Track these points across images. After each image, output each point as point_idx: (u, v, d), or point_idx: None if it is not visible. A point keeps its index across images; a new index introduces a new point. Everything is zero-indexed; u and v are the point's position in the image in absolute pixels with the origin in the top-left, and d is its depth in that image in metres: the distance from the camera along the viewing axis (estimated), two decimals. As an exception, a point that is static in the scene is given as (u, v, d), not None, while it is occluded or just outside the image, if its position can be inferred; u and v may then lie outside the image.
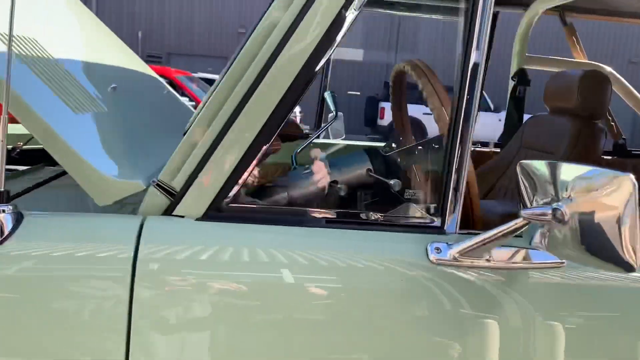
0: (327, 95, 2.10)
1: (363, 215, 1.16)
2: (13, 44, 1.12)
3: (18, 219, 1.05)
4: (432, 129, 2.30)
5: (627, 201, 0.85)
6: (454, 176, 1.10)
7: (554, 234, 0.95)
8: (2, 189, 1.02)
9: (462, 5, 1.13)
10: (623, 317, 1.14)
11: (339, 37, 1.08)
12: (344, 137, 3.15)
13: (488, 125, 11.05)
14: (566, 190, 0.91)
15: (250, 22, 19.33)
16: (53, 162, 1.85)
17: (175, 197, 1.12)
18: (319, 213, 1.17)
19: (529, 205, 1.00)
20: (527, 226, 0.99)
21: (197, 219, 1.11)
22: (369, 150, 1.56)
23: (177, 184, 1.12)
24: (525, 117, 2.93)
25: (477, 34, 1.09)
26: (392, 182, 1.38)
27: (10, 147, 1.98)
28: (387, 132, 13.66)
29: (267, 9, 1.21)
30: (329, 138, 2.98)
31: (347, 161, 1.49)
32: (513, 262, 1.09)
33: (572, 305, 1.13)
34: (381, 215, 1.15)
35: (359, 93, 16.99)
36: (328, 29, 1.07)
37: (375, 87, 16.70)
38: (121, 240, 1.05)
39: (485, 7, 1.08)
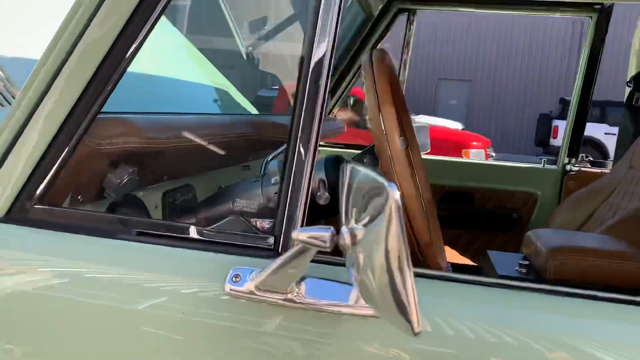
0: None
1: (192, 229, 0.93)
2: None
3: None
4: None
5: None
6: (285, 189, 0.83)
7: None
8: None
9: None
10: None
11: (151, 19, 0.94)
12: (428, 151, 2.83)
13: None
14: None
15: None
16: None
17: None
18: (138, 224, 0.98)
19: (344, 221, 0.71)
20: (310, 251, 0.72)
21: None
22: (335, 159, 1.32)
23: None
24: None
25: (321, 23, 0.86)
26: (319, 193, 1.15)
27: None
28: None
29: None
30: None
31: None
32: (326, 303, 0.81)
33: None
34: (211, 230, 0.92)
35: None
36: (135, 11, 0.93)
37: (548, 104, 15.41)
38: None
39: None
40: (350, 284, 0.76)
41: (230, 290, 0.85)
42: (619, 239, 1.51)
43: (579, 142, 2.35)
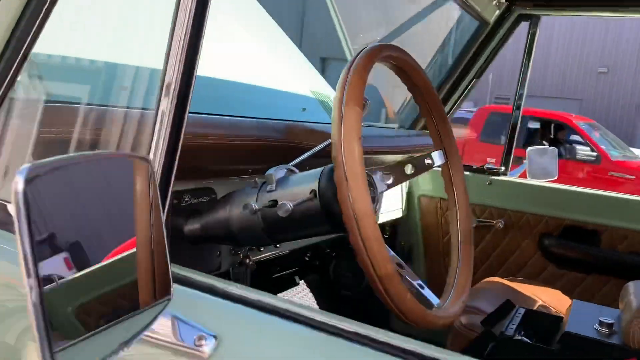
0: None
1: None
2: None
3: None
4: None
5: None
6: None
7: None
8: None
9: None
10: None
11: None
12: (555, 178, 2.45)
13: None
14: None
15: (614, 60, 17.23)
16: None
17: None
18: None
19: None
20: None
21: None
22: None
23: None
24: None
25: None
26: (280, 202, 1.03)
27: None
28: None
29: None
30: (532, 177, 2.34)
31: (299, 179, 1.12)
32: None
33: None
34: None
35: None
36: None
37: None
38: None
39: None
40: None
41: None
42: None
43: None
